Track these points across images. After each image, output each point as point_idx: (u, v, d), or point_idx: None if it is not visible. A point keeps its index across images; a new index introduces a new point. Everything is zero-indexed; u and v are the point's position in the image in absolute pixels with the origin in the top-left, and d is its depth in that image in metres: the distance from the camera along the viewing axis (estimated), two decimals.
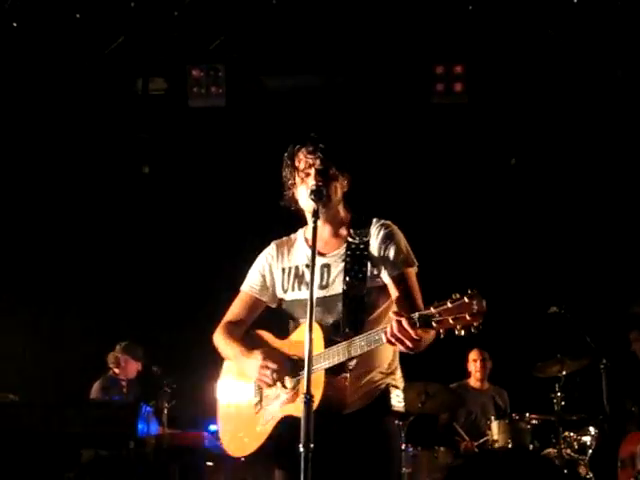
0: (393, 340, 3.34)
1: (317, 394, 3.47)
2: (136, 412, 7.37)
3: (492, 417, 8.09)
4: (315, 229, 3.64)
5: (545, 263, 9.53)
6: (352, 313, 3.73)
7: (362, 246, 3.85)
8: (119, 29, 9.32)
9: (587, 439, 7.64)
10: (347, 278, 3.80)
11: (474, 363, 8.88)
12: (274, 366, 3.76)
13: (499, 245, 9.73)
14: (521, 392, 8.68)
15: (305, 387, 3.30)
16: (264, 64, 9.78)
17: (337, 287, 3.82)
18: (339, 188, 3.92)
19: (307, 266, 3.89)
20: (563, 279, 9.29)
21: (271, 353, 3.84)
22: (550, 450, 7.70)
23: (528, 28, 9.18)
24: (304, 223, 4.06)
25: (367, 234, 3.88)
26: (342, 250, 3.89)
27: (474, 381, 8.90)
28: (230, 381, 4.10)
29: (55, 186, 10.01)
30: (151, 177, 10.35)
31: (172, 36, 9.42)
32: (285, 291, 4.02)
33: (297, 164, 3.91)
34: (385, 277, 3.80)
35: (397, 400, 3.84)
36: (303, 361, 3.45)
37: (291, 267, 4.02)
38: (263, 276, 4.11)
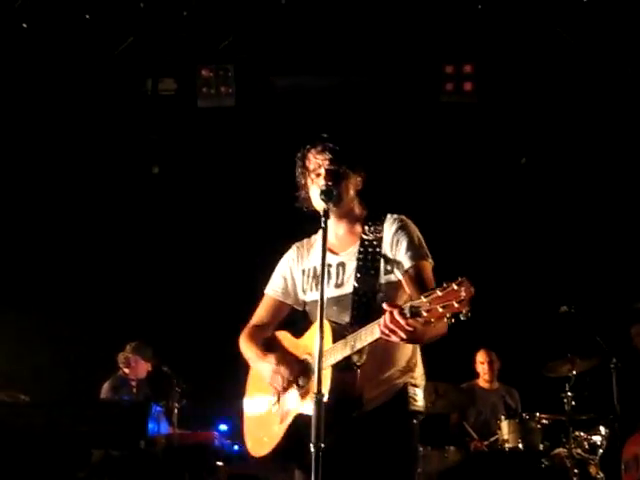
0: (386, 331, 3.33)
1: (325, 391, 3.47)
2: (146, 412, 7.38)
3: (502, 417, 8.07)
4: (325, 229, 3.64)
5: (555, 262, 9.52)
6: (361, 310, 3.73)
7: (375, 242, 3.86)
8: (128, 30, 9.32)
9: (597, 439, 7.62)
10: (358, 275, 3.82)
11: (481, 365, 8.88)
12: (285, 372, 3.80)
13: (509, 244, 9.72)
14: (531, 392, 8.67)
15: (316, 386, 3.30)
16: (273, 64, 9.77)
17: (350, 285, 3.83)
18: (351, 186, 3.93)
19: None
20: (573, 278, 9.28)
21: (284, 358, 3.87)
22: (560, 450, 7.69)
23: (537, 27, 9.15)
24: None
25: (381, 230, 3.88)
26: (356, 247, 3.89)
27: (483, 382, 8.90)
28: (255, 382, 4.13)
29: (66, 187, 10.01)
30: (161, 177, 10.36)
31: (181, 36, 9.42)
32: (305, 292, 4.06)
33: (308, 165, 3.93)
34: (399, 272, 3.80)
35: (416, 399, 3.84)
36: (313, 362, 3.46)
37: (310, 268, 4.05)
38: (285, 279, 4.15)
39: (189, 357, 9.05)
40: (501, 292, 9.26)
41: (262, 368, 3.95)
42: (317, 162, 3.89)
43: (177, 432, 7.89)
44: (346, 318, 3.77)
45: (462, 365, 8.86)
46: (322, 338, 3.38)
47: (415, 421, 3.86)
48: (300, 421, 3.66)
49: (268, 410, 3.93)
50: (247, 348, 4.09)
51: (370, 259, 3.82)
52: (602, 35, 9.06)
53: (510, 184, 9.95)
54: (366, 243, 3.87)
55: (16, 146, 9.86)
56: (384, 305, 3.36)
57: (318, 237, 4.07)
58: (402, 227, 3.86)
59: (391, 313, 3.29)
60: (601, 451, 7.57)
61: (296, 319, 4.24)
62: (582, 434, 7.63)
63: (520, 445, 7.68)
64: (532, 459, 7.67)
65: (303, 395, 3.73)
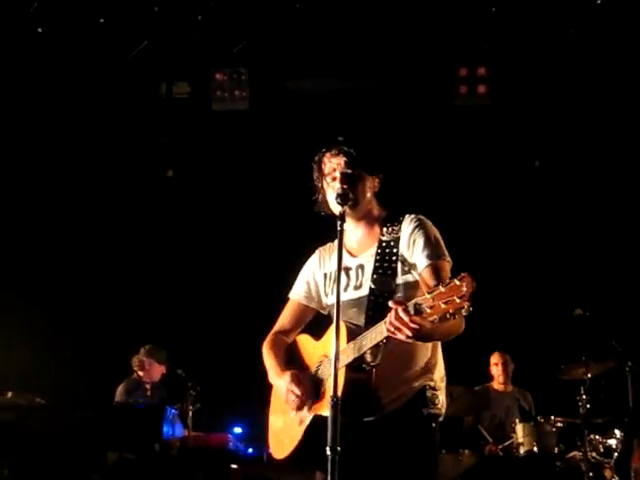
0: (392, 329, 3.32)
1: (340, 392, 3.46)
2: (161, 415, 7.40)
3: (517, 420, 8.06)
4: (341, 232, 3.64)
5: (570, 265, 9.50)
6: (378, 310, 3.70)
7: (392, 243, 3.85)
8: (142, 33, 9.34)
9: (613, 442, 7.60)
10: (375, 276, 3.81)
11: (495, 367, 8.86)
12: (298, 392, 3.81)
13: (524, 247, 9.71)
14: (546, 395, 8.65)
15: (332, 389, 3.30)
16: (287, 67, 9.78)
17: (367, 286, 3.83)
18: (368, 189, 3.92)
19: (345, 269, 3.90)
20: (588, 281, 9.26)
21: (299, 376, 3.87)
22: (575, 453, 7.67)
23: (551, 29, 9.14)
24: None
25: (399, 230, 3.87)
26: (374, 249, 3.89)
27: (497, 384, 8.88)
28: (277, 389, 4.12)
29: (81, 190, 10.05)
30: (175, 181, 10.38)
31: (195, 40, 9.43)
32: (327, 295, 4.07)
33: (323, 168, 3.93)
34: (415, 271, 3.79)
35: (434, 402, 3.82)
36: (323, 382, 3.56)
37: (332, 271, 4.04)
38: (307, 283, 4.16)
39: (204, 360, 9.06)
40: (515, 295, 9.26)
41: (277, 384, 4.00)
42: (332, 166, 3.89)
43: (192, 435, 7.90)
44: (364, 319, 3.76)
45: (476, 368, 8.85)
46: (338, 340, 3.38)
47: (434, 424, 3.83)
48: (317, 423, 3.65)
49: (289, 412, 3.93)
50: (267, 359, 4.12)
51: (387, 260, 3.82)
52: (616, 37, 9.04)
53: (524, 187, 9.93)
54: (384, 244, 3.86)
55: (32, 150, 9.90)
56: (390, 303, 3.35)
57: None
58: (419, 226, 3.84)
59: (395, 310, 3.28)
60: (616, 454, 7.56)
61: (322, 321, 4.25)
62: (597, 437, 7.61)
63: (535, 448, 7.67)
64: (547, 462, 7.66)
65: (320, 397, 3.74)
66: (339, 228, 3.65)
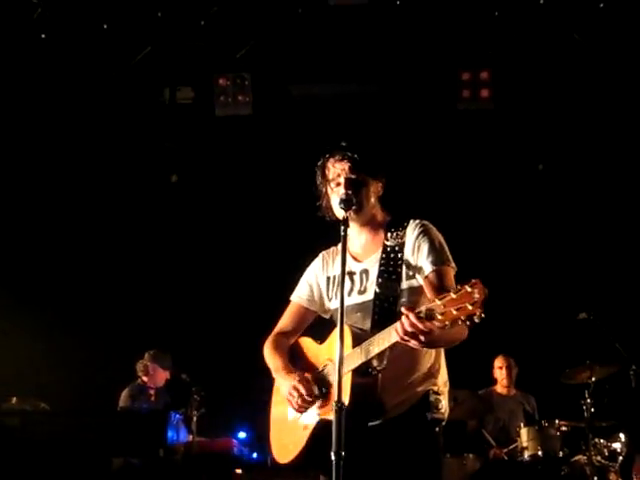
0: (403, 335, 3.33)
1: (345, 397, 3.47)
2: (165, 420, 7.41)
3: (521, 424, 8.05)
4: (345, 237, 3.64)
5: (574, 269, 9.49)
6: (382, 315, 3.73)
7: (397, 248, 3.86)
8: (146, 39, 9.37)
9: (617, 446, 7.58)
10: (380, 280, 3.82)
11: (499, 370, 8.85)
12: (303, 392, 3.79)
13: (527, 251, 9.70)
14: (550, 399, 8.63)
15: (336, 394, 3.30)
16: (290, 72, 9.80)
17: (372, 291, 3.83)
18: (372, 194, 3.93)
19: (349, 273, 3.90)
20: (592, 285, 9.25)
21: (304, 377, 3.86)
22: (580, 457, 7.66)
23: (554, 33, 9.14)
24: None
25: (403, 235, 3.88)
26: (379, 254, 3.90)
27: (501, 388, 8.87)
28: (279, 391, 4.11)
29: (85, 195, 10.07)
30: (179, 186, 10.39)
31: (199, 45, 9.45)
32: (330, 299, 4.07)
33: (327, 174, 3.94)
34: (420, 276, 3.80)
35: (437, 407, 3.81)
36: (331, 385, 3.52)
37: (335, 276, 4.05)
38: (310, 286, 4.17)
39: (208, 365, 9.07)
40: (519, 299, 9.25)
41: (282, 383, 3.97)
42: (336, 171, 3.90)
43: (196, 440, 7.90)
44: (368, 324, 3.77)
45: (480, 372, 8.84)
46: (342, 344, 3.39)
47: (437, 429, 3.83)
48: (322, 428, 3.67)
49: (293, 417, 3.93)
50: (271, 359, 4.11)
51: (392, 265, 3.83)
52: (619, 41, 9.04)
53: (527, 191, 9.93)
54: (388, 249, 3.87)
55: (37, 155, 9.92)
56: (402, 309, 3.35)
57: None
58: (424, 232, 3.85)
59: (407, 316, 3.28)
60: (621, 458, 7.54)
61: (322, 324, 4.25)
62: (602, 441, 7.59)
63: (539, 452, 7.66)
64: (552, 466, 7.65)
65: (325, 402, 3.74)
66: (342, 233, 3.65)
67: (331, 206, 3.96)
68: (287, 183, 9.14)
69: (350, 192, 3.80)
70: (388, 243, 3.89)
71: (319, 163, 3.99)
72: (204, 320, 9.69)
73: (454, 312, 3.15)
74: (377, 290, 3.80)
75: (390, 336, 3.45)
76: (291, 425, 3.94)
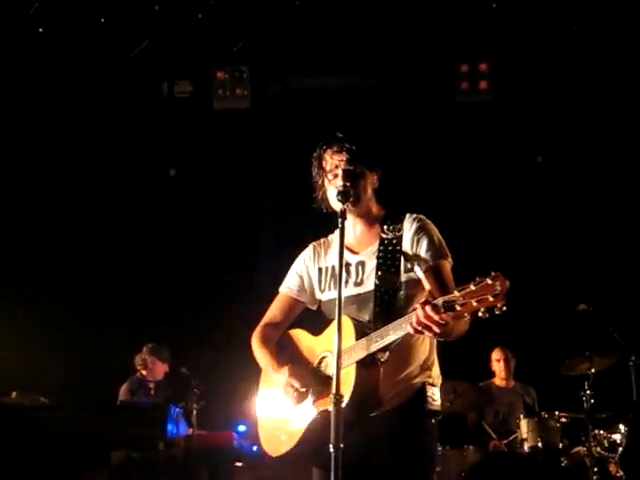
0: (419, 328, 3.34)
1: (348, 389, 3.50)
2: (165, 413, 7.40)
3: (521, 415, 8.06)
4: (342, 229, 3.64)
5: (573, 260, 9.49)
6: (383, 307, 3.74)
7: (395, 241, 3.85)
8: (143, 33, 9.35)
9: (617, 437, 7.58)
10: (379, 273, 3.81)
11: (497, 363, 8.86)
12: (298, 385, 3.80)
13: (526, 243, 9.70)
14: (550, 390, 8.64)
15: (334, 387, 3.30)
16: (288, 65, 9.79)
17: (371, 283, 3.83)
18: (368, 186, 3.93)
19: (344, 265, 3.87)
20: (591, 276, 9.25)
21: (298, 369, 3.86)
22: (580, 448, 7.67)
23: (552, 24, 9.13)
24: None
25: (400, 229, 3.88)
26: (375, 246, 3.89)
27: (499, 380, 8.88)
28: (268, 383, 4.10)
29: (83, 189, 10.06)
30: (178, 180, 10.39)
31: (196, 39, 9.44)
32: (322, 291, 4.05)
33: (324, 165, 3.92)
34: (419, 270, 3.80)
35: (433, 398, 3.83)
36: (330, 377, 3.48)
37: (327, 267, 4.05)
38: (301, 277, 4.14)
39: (207, 358, 9.07)
40: (518, 290, 9.22)
41: (275, 378, 3.95)
42: (334, 162, 3.88)
43: (196, 433, 7.91)
44: (366, 316, 3.77)
45: (479, 364, 8.85)
46: (340, 336, 3.39)
47: (433, 420, 3.86)
48: (320, 419, 3.66)
49: (285, 409, 3.91)
50: (260, 353, 4.09)
51: (390, 257, 3.82)
52: (618, 32, 9.03)
53: (527, 183, 9.93)
54: (386, 242, 3.86)
55: (36, 149, 9.92)
56: (417, 305, 3.37)
57: (335, 236, 4.06)
58: (422, 226, 3.86)
59: (424, 308, 3.30)
60: (621, 449, 7.54)
61: (304, 318, 4.24)
62: (602, 432, 7.59)
63: (539, 444, 7.67)
64: (552, 458, 7.66)
65: (323, 394, 3.72)
66: (340, 225, 3.66)
67: (327, 198, 3.95)
68: (286, 176, 9.13)
69: (348, 184, 3.79)
70: (385, 236, 3.88)
71: (315, 154, 3.98)
72: (203, 312, 9.69)
73: (474, 304, 3.18)
74: (377, 282, 3.80)
75: (401, 328, 3.47)
76: (284, 417, 3.91)
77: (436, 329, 3.31)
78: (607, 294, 8.74)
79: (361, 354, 3.58)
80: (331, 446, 3.22)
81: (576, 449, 7.73)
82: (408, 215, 3.93)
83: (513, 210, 9.81)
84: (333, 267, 4.01)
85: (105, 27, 9.05)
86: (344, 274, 3.81)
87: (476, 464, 7.76)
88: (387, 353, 3.61)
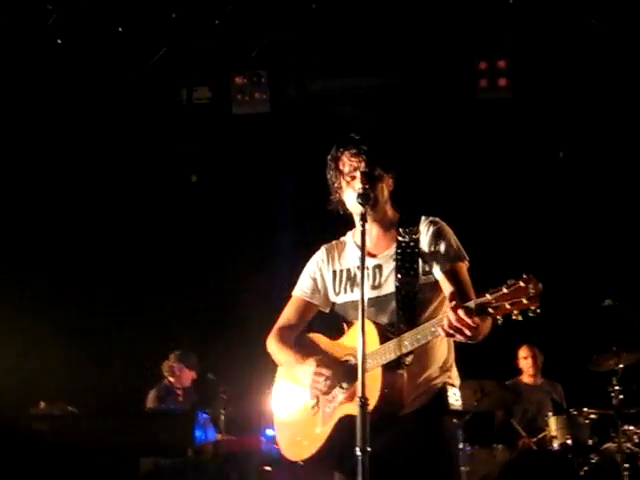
0: (451, 331, 3.34)
1: (374, 392, 3.49)
2: (193, 420, 7.42)
3: (549, 413, 8.01)
4: (364, 232, 3.63)
5: (597, 256, 9.44)
6: (406, 310, 3.73)
7: (412, 244, 3.84)
8: (161, 41, 9.39)
9: None
10: (399, 276, 3.80)
11: (525, 360, 8.81)
12: (327, 373, 3.76)
13: (551, 239, 9.65)
14: (578, 387, 8.59)
15: (360, 390, 3.29)
16: (306, 68, 9.80)
17: (390, 286, 3.81)
18: (385, 188, 3.91)
19: (359, 268, 3.89)
20: (616, 271, 9.20)
21: (324, 360, 3.83)
22: (610, 444, 7.62)
23: (571, 18, 9.08)
24: (352, 226, 4.06)
25: (416, 232, 3.86)
26: (392, 250, 3.87)
27: (527, 377, 8.84)
28: (284, 386, 4.10)
29: (106, 197, 10.11)
30: (200, 186, 10.41)
31: (214, 45, 9.47)
32: (337, 294, 4.03)
33: (341, 167, 3.90)
34: (437, 273, 3.79)
35: (454, 399, 3.83)
36: (355, 380, 3.45)
37: (342, 270, 4.03)
38: (314, 280, 4.12)
39: (233, 363, 9.08)
40: (544, 287, 9.19)
41: (300, 372, 3.91)
42: (352, 164, 3.86)
43: (224, 438, 7.92)
44: (384, 319, 3.76)
45: (505, 362, 8.81)
46: (364, 340, 3.38)
47: (455, 420, 3.89)
48: (345, 423, 3.64)
49: (306, 413, 3.90)
50: (281, 352, 4.06)
51: (409, 260, 3.81)
52: (636, 25, 8.96)
53: (549, 179, 9.88)
54: (403, 245, 3.85)
55: (57, 159, 9.97)
56: (446, 308, 3.39)
57: (349, 239, 4.08)
58: (439, 229, 3.85)
59: (457, 312, 3.30)
60: None
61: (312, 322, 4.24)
62: (631, 428, 7.53)
63: (569, 441, 7.62)
64: (581, 455, 7.61)
65: (349, 397, 3.70)
66: (361, 228, 3.64)
67: (344, 200, 3.94)
68: (307, 179, 9.13)
69: (367, 186, 3.78)
70: (401, 239, 3.87)
71: (331, 156, 3.96)
72: (228, 319, 9.70)
73: (507, 306, 3.22)
74: (398, 285, 3.78)
75: (431, 331, 3.47)
76: (305, 421, 3.90)
77: (468, 332, 3.32)
78: (632, 288, 8.68)
79: (389, 357, 3.58)
80: (358, 450, 3.21)
81: (606, 445, 7.68)
82: (423, 218, 3.91)
83: (537, 207, 9.75)
84: (348, 270, 4.00)
85: (123, 36, 9.09)
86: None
87: (506, 463, 7.74)
88: (411, 356, 3.61)
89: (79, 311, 9.86)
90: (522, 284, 3.20)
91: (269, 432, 8.46)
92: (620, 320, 7.65)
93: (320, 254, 4.15)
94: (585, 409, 7.75)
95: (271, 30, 9.36)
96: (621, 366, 7.62)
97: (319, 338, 4.08)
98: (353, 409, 3.45)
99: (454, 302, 3.38)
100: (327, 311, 4.14)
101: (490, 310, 3.26)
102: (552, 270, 9.17)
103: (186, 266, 10.09)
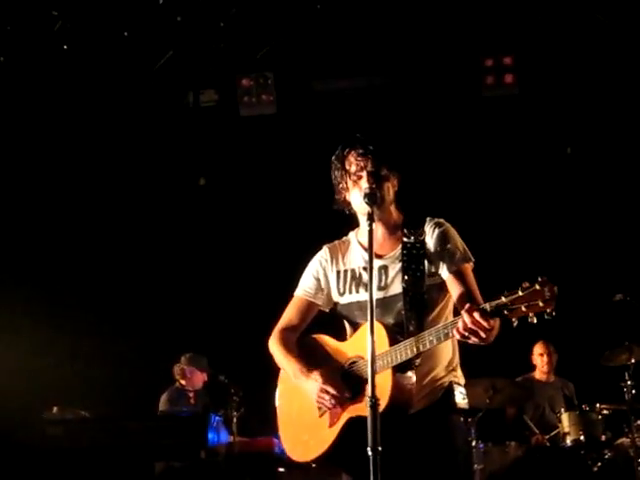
0: (467, 334, 3.35)
1: (384, 394, 3.49)
2: (206, 422, 7.42)
3: (562, 409, 8.00)
4: (371, 232, 3.63)
5: (608, 251, 9.42)
6: (413, 311, 3.73)
7: (418, 245, 3.84)
8: (167, 44, 9.40)
9: None
10: (406, 277, 3.80)
11: (540, 357, 8.79)
12: (333, 392, 3.75)
13: (560, 235, 9.63)
14: (590, 382, 8.58)
15: (370, 390, 3.30)
16: (313, 68, 9.80)
17: (396, 287, 3.81)
18: (391, 189, 3.91)
19: (364, 269, 3.88)
20: (626, 265, 9.18)
21: (330, 375, 3.81)
22: (623, 440, 7.62)
23: (576, 14, 9.07)
24: (355, 226, 4.06)
25: (422, 233, 3.86)
26: (398, 251, 3.87)
27: (540, 374, 8.82)
28: (289, 387, 4.09)
29: (115, 202, 10.13)
30: (208, 189, 10.42)
31: (220, 47, 9.48)
32: (341, 294, 4.02)
33: (348, 167, 3.90)
34: (444, 274, 3.79)
35: (461, 397, 3.84)
36: (364, 381, 3.49)
37: (347, 270, 4.02)
38: (317, 280, 4.11)
39: (245, 364, 9.09)
40: (554, 283, 9.17)
41: (306, 385, 3.88)
42: (358, 164, 3.86)
43: (237, 440, 7.93)
44: (390, 320, 3.77)
45: (517, 359, 8.79)
46: (373, 341, 3.38)
47: (462, 419, 3.88)
48: (354, 424, 3.64)
49: (312, 414, 3.88)
50: (284, 358, 4.04)
51: (415, 261, 3.81)
52: None
53: (557, 174, 9.86)
54: (409, 246, 3.85)
55: (65, 162, 10.00)
56: (462, 312, 3.38)
57: (352, 239, 4.08)
58: (445, 231, 3.85)
59: (472, 314, 3.32)
60: None
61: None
62: None
63: (582, 437, 7.61)
64: (595, 451, 7.60)
65: (358, 398, 3.70)
66: (367, 228, 3.64)
67: (349, 200, 3.94)
68: (314, 180, 9.12)
69: (374, 186, 3.78)
70: (407, 240, 3.87)
71: (337, 155, 3.96)
72: (239, 320, 9.70)
73: (523, 309, 3.24)
74: (404, 287, 3.78)
75: (444, 333, 3.48)
76: (312, 422, 3.89)
77: (482, 334, 3.34)
78: None
79: (400, 359, 3.58)
80: (369, 449, 3.22)
81: (619, 441, 7.68)
82: (428, 219, 3.91)
83: (545, 203, 9.74)
84: (353, 270, 3.99)
85: (129, 40, 9.11)
86: (365, 278, 3.82)
87: (519, 459, 7.73)
88: (419, 358, 3.63)
89: (91, 314, 9.87)
90: (538, 287, 3.22)
91: (279, 432, 8.47)
92: (632, 315, 7.63)
93: (323, 253, 4.14)
94: (598, 405, 7.75)
95: (276, 32, 9.37)
96: (633, 361, 7.60)
97: (324, 339, 4.05)
98: (362, 410, 3.47)
99: (469, 304, 3.38)
100: (328, 311, 4.13)
101: (505, 312, 3.27)
102: (562, 266, 9.17)
103: (195, 268, 10.10)
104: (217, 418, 7.78)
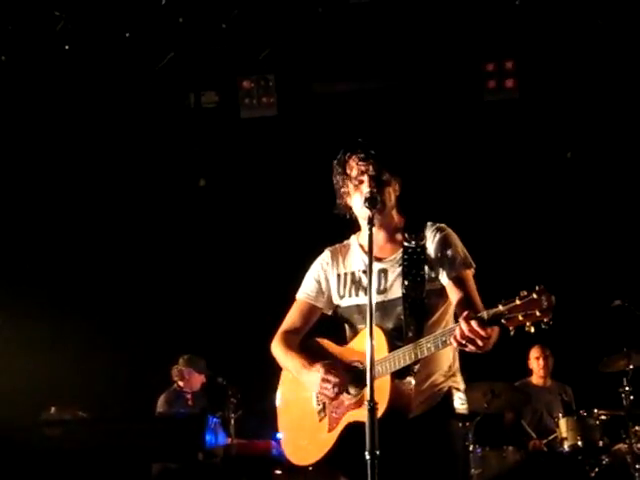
0: (463, 342, 3.35)
1: (383, 400, 3.49)
2: (203, 424, 7.41)
3: (560, 414, 7.99)
4: (371, 236, 3.64)
5: (607, 256, 9.42)
6: (413, 316, 3.73)
7: (419, 250, 3.84)
8: (168, 46, 9.40)
9: None
10: (406, 282, 3.80)
11: (536, 361, 8.80)
12: (335, 380, 3.76)
13: (559, 240, 9.64)
14: (588, 388, 8.57)
15: (368, 394, 3.30)
16: (314, 71, 9.79)
17: (396, 291, 3.82)
18: (392, 193, 3.91)
19: (364, 272, 3.88)
20: (625, 272, 9.17)
21: (332, 366, 3.83)
22: (621, 445, 7.61)
23: (577, 18, 9.07)
24: (356, 229, 4.06)
25: (422, 237, 3.87)
26: (399, 255, 3.88)
27: (537, 378, 8.83)
28: (290, 390, 4.10)
29: (114, 204, 10.13)
30: (208, 190, 10.42)
31: (221, 49, 9.47)
32: (342, 297, 4.03)
33: (349, 171, 3.90)
34: (444, 279, 3.80)
35: (460, 402, 3.85)
36: (363, 386, 3.47)
37: (347, 273, 4.03)
38: (318, 282, 4.12)
39: (243, 366, 9.08)
40: (552, 288, 9.17)
41: (308, 378, 3.89)
42: (360, 168, 3.86)
43: (235, 442, 7.92)
44: (389, 324, 3.77)
45: (515, 364, 8.79)
46: (372, 344, 3.38)
47: (461, 424, 3.91)
48: (353, 429, 3.65)
49: (312, 418, 3.90)
50: (286, 356, 4.05)
51: (415, 266, 3.82)
52: None
53: (557, 179, 9.86)
54: (409, 250, 3.85)
55: (65, 162, 10.00)
56: (460, 319, 3.38)
57: (353, 243, 4.08)
58: (446, 236, 3.86)
59: (469, 323, 3.31)
60: None
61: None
62: None
63: (579, 442, 7.61)
64: (592, 456, 7.60)
65: (358, 402, 3.70)
66: (368, 232, 3.66)
67: (350, 204, 3.95)
68: (315, 183, 9.12)
69: (375, 190, 3.78)
70: (407, 244, 3.87)
71: (338, 160, 3.97)
72: (237, 322, 9.70)
73: (520, 318, 3.22)
74: (404, 292, 3.79)
75: (442, 341, 3.48)
76: (311, 426, 3.90)
77: (480, 343, 3.34)
78: None
79: (399, 365, 3.58)
80: (367, 453, 3.21)
81: (617, 446, 7.68)
82: (429, 224, 3.92)
83: (545, 208, 9.74)
84: (353, 273, 4.00)
85: (130, 41, 9.10)
86: (366, 281, 3.81)
87: (517, 464, 7.73)
88: (418, 364, 3.63)
89: (90, 316, 9.87)
90: (535, 296, 3.21)
91: (280, 435, 8.47)
92: (630, 321, 7.63)
93: (324, 257, 4.15)
94: (596, 410, 7.75)
95: (278, 34, 9.37)
96: (631, 367, 7.62)
97: (326, 343, 4.06)
98: (361, 415, 3.48)
99: (466, 312, 3.38)
100: (329, 313, 4.14)
101: (503, 321, 3.26)
102: (561, 271, 9.18)
103: (194, 270, 10.10)
104: (215, 420, 7.78)
